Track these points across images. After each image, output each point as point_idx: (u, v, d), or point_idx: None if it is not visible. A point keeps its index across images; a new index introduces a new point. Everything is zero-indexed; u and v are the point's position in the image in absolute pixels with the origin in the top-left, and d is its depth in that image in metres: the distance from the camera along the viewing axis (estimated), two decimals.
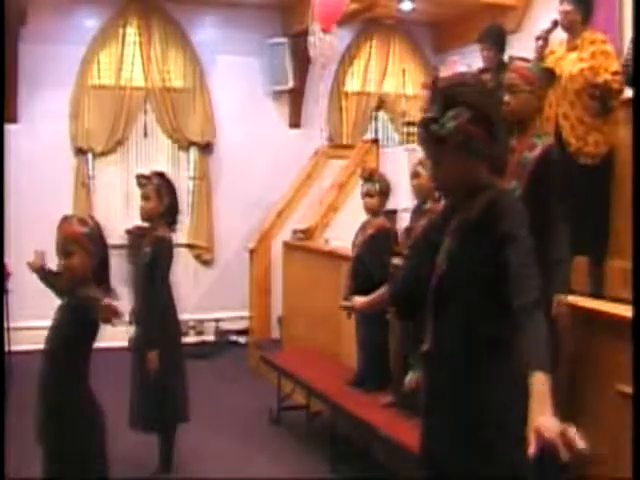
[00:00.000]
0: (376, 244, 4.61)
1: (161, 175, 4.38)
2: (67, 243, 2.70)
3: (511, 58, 3.74)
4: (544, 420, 1.64)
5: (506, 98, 3.43)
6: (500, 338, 1.96)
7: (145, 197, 4.28)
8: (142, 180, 4.33)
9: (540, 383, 1.72)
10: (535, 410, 1.68)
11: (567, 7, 4.65)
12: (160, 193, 4.24)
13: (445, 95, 1.99)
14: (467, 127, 1.95)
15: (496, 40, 5.70)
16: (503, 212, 1.96)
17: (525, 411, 1.71)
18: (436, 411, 2.05)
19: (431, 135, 1.99)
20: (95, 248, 2.72)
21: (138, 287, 4.26)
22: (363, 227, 4.80)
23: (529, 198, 3.28)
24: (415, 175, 4.24)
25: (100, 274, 2.75)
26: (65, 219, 2.77)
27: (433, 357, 2.07)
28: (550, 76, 3.76)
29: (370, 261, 4.58)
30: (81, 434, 2.64)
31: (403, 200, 6.43)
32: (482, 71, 5.54)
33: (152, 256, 4.21)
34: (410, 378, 2.21)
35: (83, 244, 2.69)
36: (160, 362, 4.15)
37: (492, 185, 2.04)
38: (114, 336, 5.81)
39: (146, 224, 4.42)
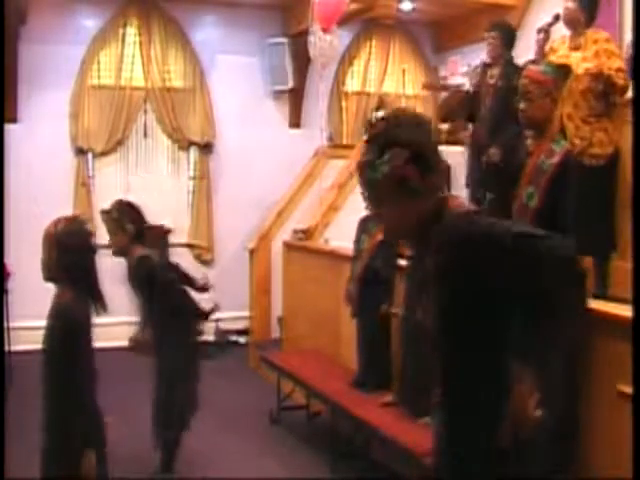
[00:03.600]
0: (387, 249, 4.59)
1: (120, 204, 4.27)
2: (43, 239, 2.80)
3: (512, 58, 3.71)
4: None
5: (522, 105, 3.39)
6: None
7: (109, 232, 4.20)
8: (103, 216, 4.26)
9: None
10: None
11: (570, 4, 4.64)
12: (122, 225, 4.16)
13: (380, 138, 1.93)
14: (402, 169, 1.88)
15: (504, 32, 5.39)
16: (455, 243, 1.88)
17: None
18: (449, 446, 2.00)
19: (366, 180, 1.94)
20: (59, 251, 2.76)
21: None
22: (367, 230, 4.73)
23: (547, 204, 3.28)
24: None
25: (75, 275, 2.77)
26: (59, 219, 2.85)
27: (445, 409, 2.01)
28: (566, 72, 3.72)
29: (384, 267, 4.57)
30: (79, 432, 2.65)
31: None
32: (486, 66, 5.41)
33: (139, 279, 4.16)
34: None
35: (50, 244, 2.77)
36: (170, 365, 4.20)
37: (440, 214, 1.93)
38: (114, 336, 5.85)
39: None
